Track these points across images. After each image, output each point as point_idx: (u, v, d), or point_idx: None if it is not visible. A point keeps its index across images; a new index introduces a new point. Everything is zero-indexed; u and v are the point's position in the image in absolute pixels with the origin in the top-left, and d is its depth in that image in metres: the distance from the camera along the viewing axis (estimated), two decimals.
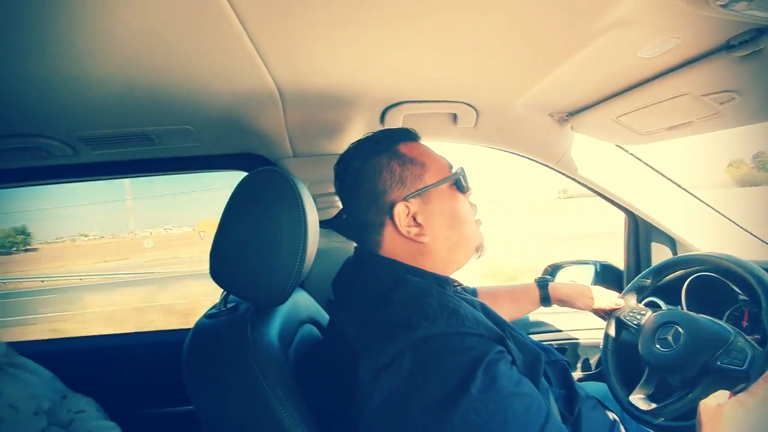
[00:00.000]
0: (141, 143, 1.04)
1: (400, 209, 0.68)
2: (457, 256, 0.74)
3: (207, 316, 0.75)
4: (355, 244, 1.24)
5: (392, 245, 0.70)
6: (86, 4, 0.55)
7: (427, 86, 0.96)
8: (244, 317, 0.70)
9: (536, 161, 1.24)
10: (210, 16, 0.61)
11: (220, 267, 0.72)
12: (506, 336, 0.61)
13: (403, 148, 0.72)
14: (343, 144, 1.13)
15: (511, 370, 0.55)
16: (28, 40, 0.65)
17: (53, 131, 0.97)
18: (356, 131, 1.10)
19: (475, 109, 1.06)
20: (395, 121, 1.07)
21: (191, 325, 0.73)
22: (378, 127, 1.11)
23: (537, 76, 0.88)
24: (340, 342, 0.62)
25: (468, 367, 0.51)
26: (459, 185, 0.74)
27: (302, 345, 0.82)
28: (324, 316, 0.99)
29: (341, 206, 1.21)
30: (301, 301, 0.94)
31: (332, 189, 1.18)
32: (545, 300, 1.07)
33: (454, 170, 0.75)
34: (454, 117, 1.10)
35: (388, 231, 0.70)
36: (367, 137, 0.76)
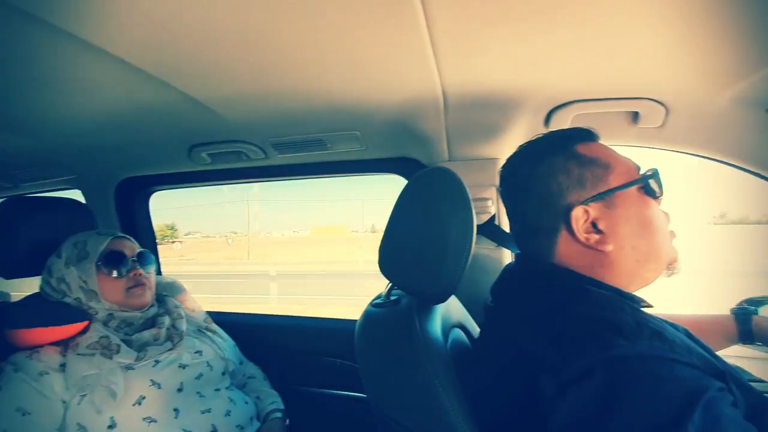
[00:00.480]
0: (316, 147, 1.18)
1: (577, 213, 0.62)
2: (645, 271, 0.64)
3: (374, 305, 0.79)
4: (505, 251, 1.20)
5: (567, 253, 0.64)
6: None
7: (604, 82, 0.87)
8: (410, 310, 0.72)
9: (742, 168, 1.01)
10: (399, 24, 0.66)
11: (389, 261, 0.76)
12: (726, 371, 0.50)
13: (582, 148, 0.66)
14: (501, 148, 1.10)
15: (737, 414, 0.45)
16: (247, 62, 0.80)
17: (253, 138, 1.17)
18: (517, 135, 1.06)
19: (664, 105, 0.92)
20: (562, 123, 1.00)
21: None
22: (542, 131, 1.05)
23: (752, 63, 0.72)
24: (507, 350, 0.59)
25: (682, 400, 0.43)
26: (649, 189, 0.64)
27: (455, 347, 0.81)
28: (470, 322, 0.97)
29: (492, 212, 1.17)
30: (452, 305, 0.93)
31: (485, 194, 1.16)
32: (746, 336, 0.86)
33: (642, 172, 0.66)
34: (635, 116, 0.98)
35: (563, 238, 0.64)
36: (539, 138, 0.71)
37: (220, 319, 1.40)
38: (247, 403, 1.07)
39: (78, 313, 0.94)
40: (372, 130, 1.11)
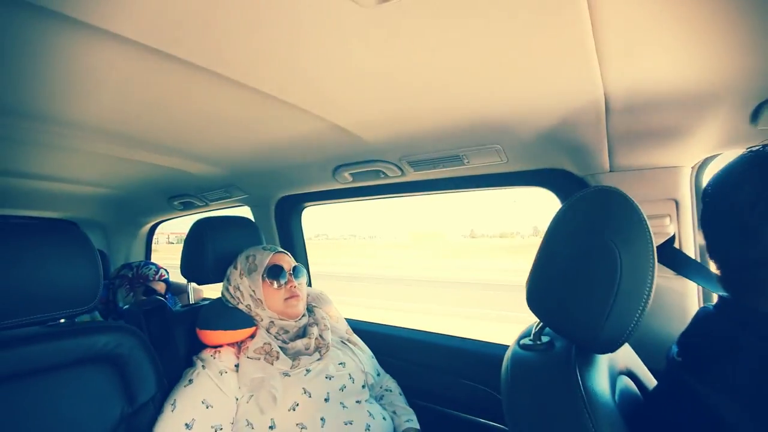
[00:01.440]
0: (453, 163, 1.14)
1: None
2: None
3: (521, 346, 0.71)
4: (687, 283, 0.96)
5: None
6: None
7: None
8: (569, 358, 0.61)
9: None
10: (559, 28, 0.58)
11: (539, 296, 0.66)
12: None
13: None
14: (683, 154, 0.89)
15: None
16: (390, 88, 0.82)
17: (390, 157, 1.20)
18: (708, 138, 0.84)
19: None
20: None
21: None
22: (744, 131, 0.81)
23: None
24: (703, 426, 0.45)
25: None
26: None
27: (623, 399, 0.67)
28: (641, 368, 0.79)
29: (670, 232, 0.96)
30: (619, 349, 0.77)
31: (660, 210, 0.95)
32: None
33: None
34: None
35: None
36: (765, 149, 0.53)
37: (358, 327, 1.47)
38: (384, 419, 1.09)
39: (248, 319, 1.09)
40: (515, 143, 1.02)
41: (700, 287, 0.96)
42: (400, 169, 1.24)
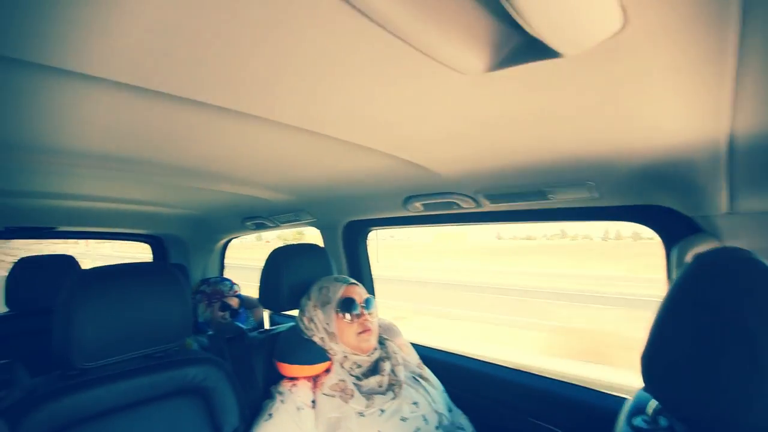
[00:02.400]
0: (535, 198, 1.07)
1: None
2: None
3: (634, 428, 0.62)
4: None
5: None
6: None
7: None
8: None
9: None
10: (699, 67, 0.51)
11: (658, 375, 0.58)
12: None
13: None
14: None
15: None
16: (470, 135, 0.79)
17: (465, 190, 1.15)
18: None
19: None
20: None
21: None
22: None
23: None
24: None
25: None
26: None
27: None
28: None
29: None
30: None
31: None
32: None
33: None
34: None
35: None
36: None
37: (426, 355, 1.42)
38: None
39: (323, 353, 1.10)
40: (611, 179, 0.93)
41: None
42: (476, 201, 1.19)
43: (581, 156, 0.85)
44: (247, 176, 1.27)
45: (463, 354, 1.54)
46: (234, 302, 2.07)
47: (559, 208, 1.14)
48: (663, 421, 0.61)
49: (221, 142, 0.94)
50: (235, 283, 2.18)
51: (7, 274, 1.65)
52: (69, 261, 1.75)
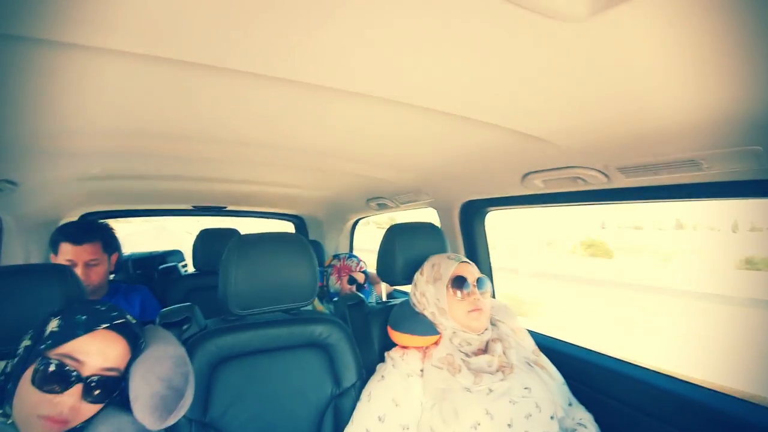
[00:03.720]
0: (683, 169, 0.90)
1: None
2: None
3: None
4: None
5: None
6: None
7: None
8: None
9: None
10: None
11: None
12: None
13: None
14: None
15: None
16: (586, 93, 0.70)
17: (590, 163, 1.03)
18: None
19: None
20: None
21: None
22: None
23: None
24: None
25: None
26: None
27: None
28: None
29: None
30: None
31: None
32: None
33: None
34: None
35: None
36: None
37: (545, 344, 1.33)
38: None
39: (433, 327, 1.13)
40: None
41: None
42: (606, 175, 1.05)
43: (743, 116, 0.68)
44: (371, 156, 1.37)
45: (588, 348, 1.39)
46: (360, 277, 2.26)
47: (716, 182, 0.93)
48: None
49: (349, 124, 1.03)
50: (362, 260, 2.38)
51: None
52: (234, 232, 2.15)
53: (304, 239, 1.17)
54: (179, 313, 1.05)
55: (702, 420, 1.01)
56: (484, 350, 1.11)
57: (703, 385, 1.09)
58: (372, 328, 1.28)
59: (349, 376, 1.14)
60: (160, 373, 0.78)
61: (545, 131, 0.91)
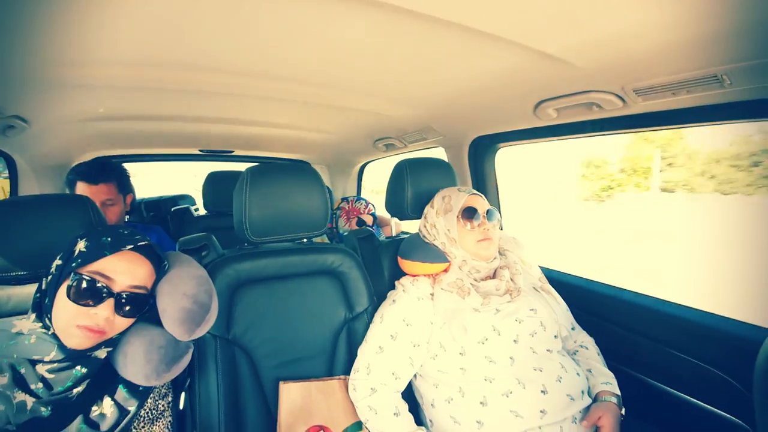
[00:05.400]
0: (704, 87, 0.87)
1: None
2: None
3: None
4: None
5: None
6: None
7: None
8: None
9: None
10: None
11: None
12: None
13: None
14: None
15: None
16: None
17: (609, 86, 1.00)
18: None
19: None
20: None
21: None
22: None
23: None
24: None
25: None
26: None
27: None
28: None
29: None
30: None
31: None
32: None
33: None
34: None
35: None
36: None
37: (552, 276, 1.38)
38: (578, 375, 1.03)
39: (443, 255, 1.16)
40: None
41: None
42: (622, 99, 1.02)
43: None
44: (377, 87, 1.32)
45: (592, 279, 1.44)
46: (368, 219, 2.30)
47: (742, 101, 0.90)
48: None
49: (353, 47, 0.98)
50: (370, 203, 2.40)
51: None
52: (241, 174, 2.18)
53: (314, 170, 1.18)
54: (198, 241, 1.09)
55: (684, 333, 1.11)
56: (493, 277, 1.15)
57: (686, 305, 1.16)
58: (382, 260, 1.32)
59: (362, 302, 1.19)
60: (185, 290, 0.82)
61: (560, 48, 0.87)
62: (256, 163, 1.19)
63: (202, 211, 2.42)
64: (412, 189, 1.33)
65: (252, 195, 1.06)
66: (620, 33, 0.78)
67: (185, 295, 0.81)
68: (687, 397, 1.10)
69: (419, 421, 1.06)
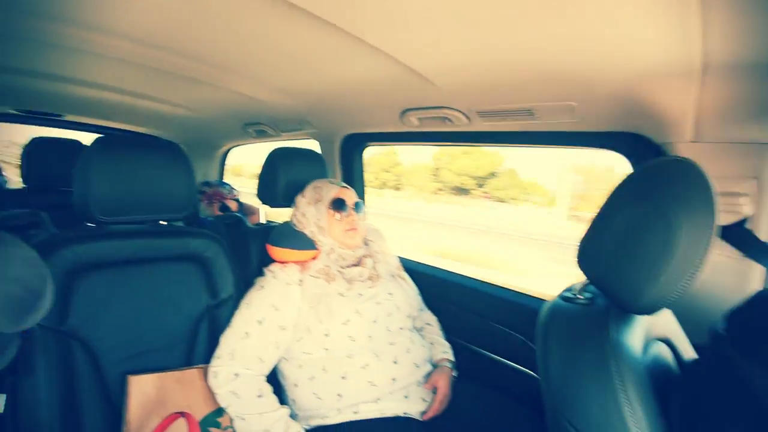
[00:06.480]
0: (523, 117, 1.13)
1: None
2: None
3: (563, 298, 0.76)
4: (753, 266, 0.93)
5: None
6: None
7: None
8: (606, 315, 0.66)
9: None
10: None
11: (590, 255, 0.70)
12: None
13: None
14: None
15: None
16: (467, 38, 0.82)
17: (459, 105, 1.21)
18: None
19: None
20: None
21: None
22: None
23: None
24: (740, 400, 0.48)
25: None
26: None
27: (655, 364, 0.71)
28: (680, 339, 0.82)
29: (745, 213, 0.91)
30: (660, 315, 0.80)
31: (738, 188, 0.91)
32: None
33: None
34: None
35: None
36: None
37: (407, 265, 1.57)
38: (423, 346, 1.22)
39: (312, 243, 1.22)
40: (591, 102, 0.99)
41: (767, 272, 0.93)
42: (468, 117, 1.25)
43: (565, 74, 0.90)
44: (242, 68, 1.28)
45: (438, 267, 1.69)
46: (233, 205, 2.19)
47: (545, 132, 1.21)
48: (587, 294, 0.74)
49: (229, 28, 0.95)
50: (234, 188, 2.28)
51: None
52: (76, 144, 1.82)
53: (179, 146, 1.09)
54: (21, 218, 0.90)
55: (498, 307, 1.40)
56: (357, 264, 1.26)
57: (501, 285, 1.48)
58: (251, 246, 1.31)
59: (227, 288, 1.16)
60: (13, 275, 0.69)
61: (426, 68, 1.02)
62: (100, 134, 1.04)
63: (15, 184, 1.93)
64: (284, 177, 1.34)
65: (102, 168, 0.93)
66: (477, 65, 0.96)
67: (13, 280, 0.68)
68: (499, 358, 1.40)
69: (283, 401, 1.10)
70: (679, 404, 0.59)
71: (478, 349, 1.46)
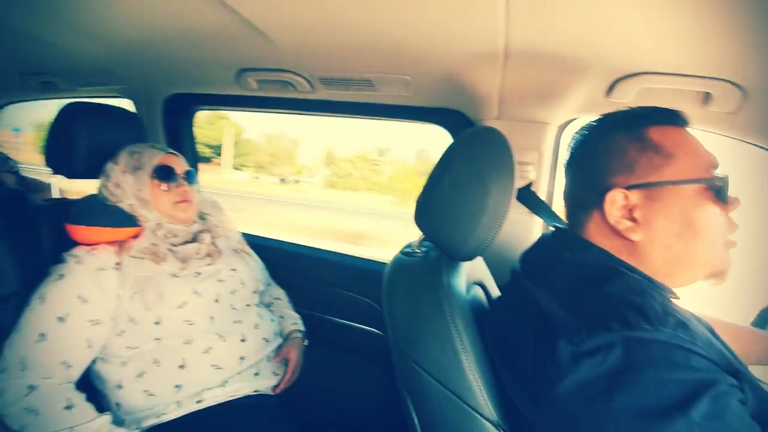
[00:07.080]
0: (364, 87, 1.16)
1: (614, 196, 0.61)
2: (676, 273, 0.62)
3: (403, 253, 0.83)
4: (537, 220, 1.20)
5: (595, 232, 0.65)
6: None
7: (677, 55, 0.80)
8: (439, 264, 0.75)
9: None
10: None
11: (424, 214, 0.78)
12: (741, 372, 0.51)
13: (655, 132, 0.62)
14: (552, 113, 1.06)
15: (743, 412, 0.47)
16: None
17: (301, 69, 1.17)
18: (573, 102, 1.01)
19: (740, 88, 0.85)
20: (626, 95, 0.94)
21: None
22: (602, 101, 0.99)
23: None
24: (530, 314, 0.61)
25: (692, 387, 0.45)
26: (716, 193, 0.60)
27: (474, 303, 0.85)
28: (490, 282, 1.00)
29: (531, 178, 1.15)
30: (476, 263, 0.95)
31: (526, 158, 1.14)
32: None
33: (716, 173, 0.61)
34: (706, 97, 0.91)
35: (595, 216, 0.64)
36: (616, 112, 0.67)
37: (251, 240, 1.49)
38: (272, 320, 1.18)
39: (131, 219, 1.03)
40: (422, 77, 1.08)
41: (545, 224, 1.21)
42: (311, 84, 1.22)
43: (400, 48, 0.95)
44: None
45: (282, 240, 1.66)
46: (9, 179, 1.68)
47: (384, 104, 1.27)
48: (423, 248, 0.83)
49: None
50: (12, 159, 1.76)
51: None
52: None
53: None
54: None
55: (345, 275, 1.46)
56: (193, 241, 1.12)
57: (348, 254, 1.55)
58: (41, 228, 1.02)
59: (7, 282, 0.89)
60: None
61: (265, 22, 0.93)
62: None
63: None
64: (85, 141, 1.08)
65: None
66: (312, 23, 0.91)
67: None
68: (348, 322, 1.47)
69: (101, 408, 0.92)
70: (491, 332, 0.72)
71: (327, 316, 1.50)
